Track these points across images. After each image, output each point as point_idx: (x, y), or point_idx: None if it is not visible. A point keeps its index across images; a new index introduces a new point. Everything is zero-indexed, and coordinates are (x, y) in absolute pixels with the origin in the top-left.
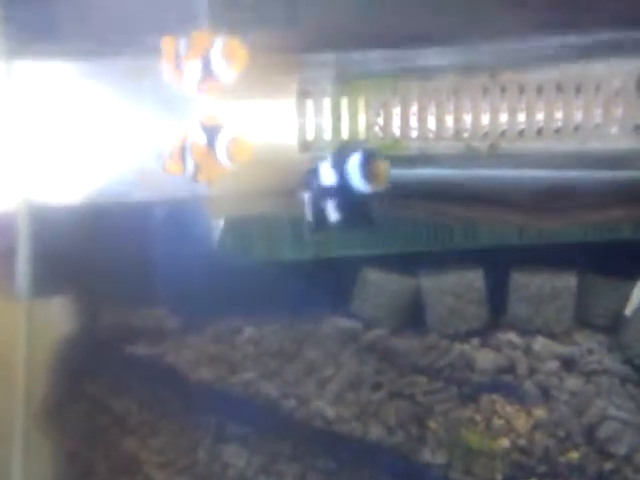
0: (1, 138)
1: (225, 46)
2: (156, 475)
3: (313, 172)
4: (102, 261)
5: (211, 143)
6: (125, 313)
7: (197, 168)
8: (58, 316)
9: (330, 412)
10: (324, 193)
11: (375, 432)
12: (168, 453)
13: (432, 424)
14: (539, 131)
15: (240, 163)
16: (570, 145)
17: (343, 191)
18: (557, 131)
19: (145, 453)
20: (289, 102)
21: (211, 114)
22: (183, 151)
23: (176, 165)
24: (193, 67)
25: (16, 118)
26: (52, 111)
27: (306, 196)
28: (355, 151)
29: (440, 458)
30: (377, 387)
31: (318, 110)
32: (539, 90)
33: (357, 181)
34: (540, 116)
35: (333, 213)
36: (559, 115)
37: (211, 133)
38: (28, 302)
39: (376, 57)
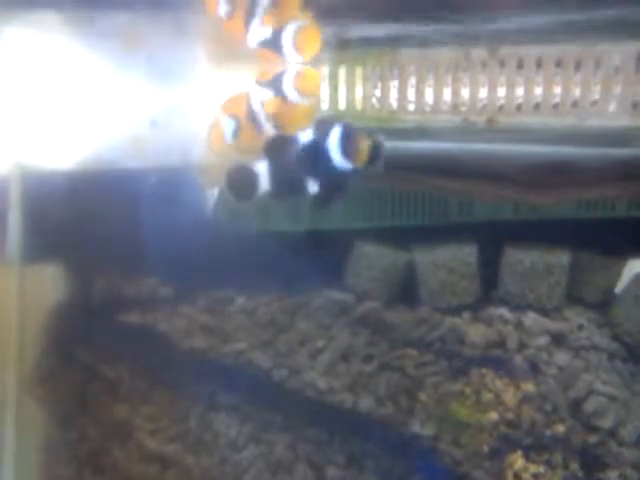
0: None
1: (299, 30)
2: (147, 442)
3: (288, 142)
4: (95, 228)
5: (278, 91)
6: (118, 281)
7: (279, 121)
8: (50, 283)
9: (321, 383)
10: (303, 164)
11: (365, 403)
12: (159, 421)
13: (422, 396)
14: (537, 106)
15: (312, 94)
16: (568, 121)
17: (321, 166)
18: (555, 106)
19: (137, 420)
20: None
21: (265, 72)
22: (253, 118)
23: (250, 137)
24: (258, 30)
25: (8, 84)
26: (45, 77)
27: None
28: (334, 126)
29: (429, 430)
30: (368, 359)
31: None
32: (538, 65)
33: (337, 158)
34: (538, 91)
35: (311, 186)
36: (557, 90)
37: (275, 83)
38: (20, 268)
39: (375, 28)
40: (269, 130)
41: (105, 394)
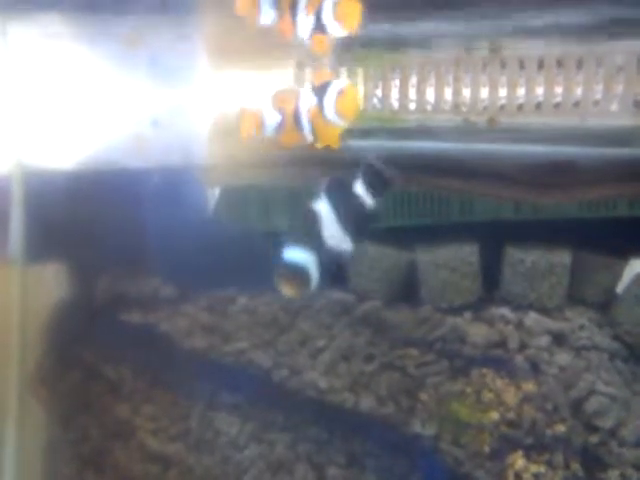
0: None
1: (337, 2)
2: (149, 442)
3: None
4: (97, 228)
5: (320, 103)
6: (120, 281)
7: (315, 133)
8: (52, 282)
9: (322, 382)
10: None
11: (366, 403)
12: (161, 420)
13: (423, 396)
14: (538, 106)
15: (348, 120)
16: (569, 121)
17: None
18: (557, 106)
19: (138, 420)
20: (287, 71)
21: (323, 71)
22: (297, 117)
23: (292, 134)
24: (305, 20)
25: (11, 83)
26: (47, 77)
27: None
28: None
29: (430, 429)
30: (369, 359)
31: None
32: (539, 65)
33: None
34: (540, 91)
35: None
36: (559, 90)
37: (319, 92)
38: (22, 268)
39: (376, 27)
40: (308, 135)
41: (107, 394)
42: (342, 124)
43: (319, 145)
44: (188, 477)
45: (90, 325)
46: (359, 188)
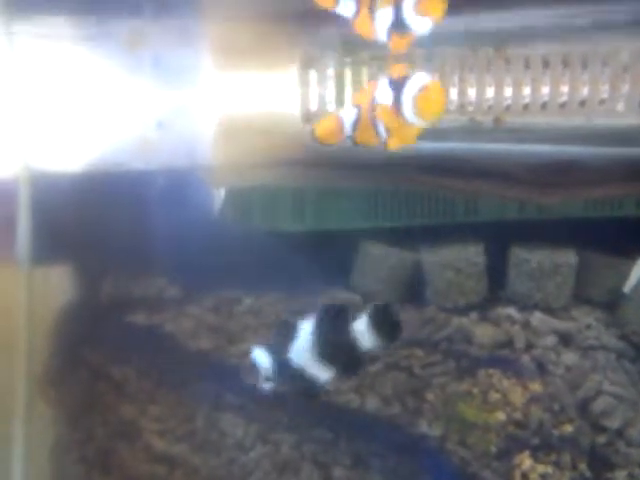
0: (2, 106)
1: None
2: (155, 442)
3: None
4: (102, 230)
5: (397, 100)
6: (125, 282)
7: (389, 131)
8: (58, 284)
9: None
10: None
11: (372, 403)
12: (167, 421)
13: (429, 396)
14: (544, 105)
15: (431, 120)
16: (575, 120)
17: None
18: (562, 106)
19: (144, 420)
20: (292, 71)
21: (400, 65)
22: (372, 114)
23: (367, 133)
24: (384, 16)
25: (17, 86)
26: (53, 79)
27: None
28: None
29: (436, 430)
30: (375, 359)
31: (321, 80)
32: (545, 64)
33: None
34: (545, 90)
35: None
36: (565, 89)
37: (396, 88)
38: (29, 270)
39: None
40: (382, 132)
41: (112, 394)
42: (421, 124)
43: (392, 145)
44: (194, 478)
45: (96, 326)
46: (360, 325)
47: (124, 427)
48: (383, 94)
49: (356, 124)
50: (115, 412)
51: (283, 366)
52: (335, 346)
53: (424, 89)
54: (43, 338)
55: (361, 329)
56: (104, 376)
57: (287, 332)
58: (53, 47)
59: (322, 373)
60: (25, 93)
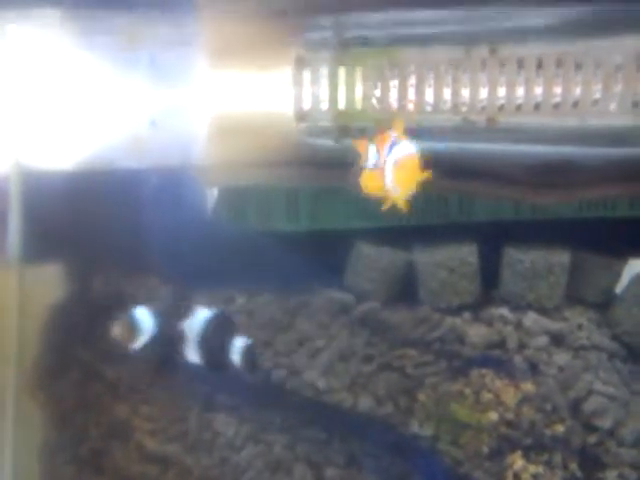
0: None
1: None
2: (147, 442)
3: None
4: (95, 228)
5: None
6: (117, 280)
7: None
8: (50, 282)
9: (321, 383)
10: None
11: (365, 403)
12: (159, 421)
13: (421, 396)
14: (537, 106)
15: (405, 193)
16: (568, 121)
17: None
18: (556, 106)
19: (136, 420)
20: (286, 70)
21: (384, 134)
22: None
23: (376, 181)
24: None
25: (9, 82)
26: (45, 76)
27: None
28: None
29: (428, 430)
30: (368, 359)
31: (315, 79)
32: (539, 65)
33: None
34: (539, 91)
35: None
36: (558, 90)
37: (379, 156)
38: (20, 268)
39: (375, 26)
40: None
41: (105, 394)
42: (399, 195)
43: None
44: (186, 477)
45: (88, 325)
46: (238, 342)
47: (116, 427)
48: (371, 159)
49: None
50: (107, 412)
51: (162, 332)
52: (213, 350)
53: (398, 164)
54: (34, 336)
55: (236, 357)
56: (96, 375)
57: (183, 311)
58: (45, 42)
59: (193, 357)
60: (16, 89)
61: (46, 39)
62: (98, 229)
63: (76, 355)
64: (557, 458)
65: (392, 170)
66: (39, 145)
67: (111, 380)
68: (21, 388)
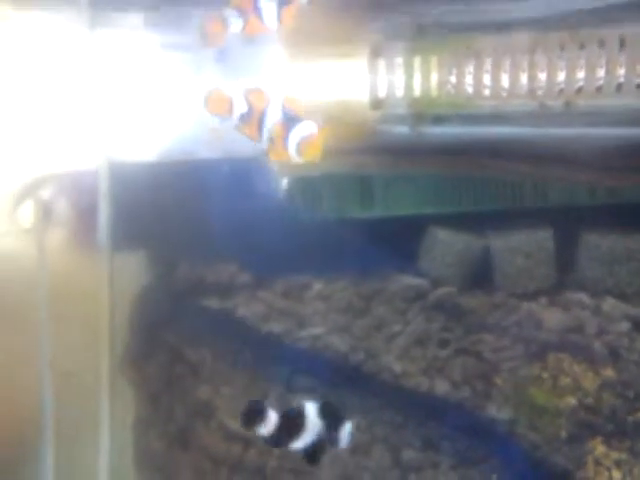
0: (84, 101)
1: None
2: (229, 422)
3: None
4: (177, 216)
5: (286, 131)
6: (199, 268)
7: (270, 146)
8: (137, 269)
9: (397, 366)
10: None
11: (441, 387)
12: (240, 401)
13: (498, 380)
14: (619, 87)
15: (308, 161)
16: None
17: None
18: (638, 87)
19: (218, 401)
20: (361, 59)
21: (293, 97)
22: (261, 120)
23: (251, 131)
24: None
25: (98, 82)
26: (129, 74)
27: None
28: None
29: (505, 414)
30: (444, 343)
31: (390, 67)
32: (621, 44)
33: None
34: (621, 72)
35: None
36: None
37: (289, 120)
38: (110, 256)
39: (450, 13)
40: (264, 137)
41: (188, 375)
42: (299, 161)
43: (270, 156)
44: (268, 456)
45: (172, 310)
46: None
47: (200, 407)
48: (274, 112)
49: (245, 118)
50: (191, 392)
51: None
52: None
53: (308, 137)
54: (124, 320)
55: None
56: (180, 357)
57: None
58: (130, 44)
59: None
60: (103, 86)
61: (130, 40)
62: (180, 218)
63: (162, 338)
64: None
65: (295, 151)
66: (126, 139)
67: (194, 362)
68: (115, 368)
